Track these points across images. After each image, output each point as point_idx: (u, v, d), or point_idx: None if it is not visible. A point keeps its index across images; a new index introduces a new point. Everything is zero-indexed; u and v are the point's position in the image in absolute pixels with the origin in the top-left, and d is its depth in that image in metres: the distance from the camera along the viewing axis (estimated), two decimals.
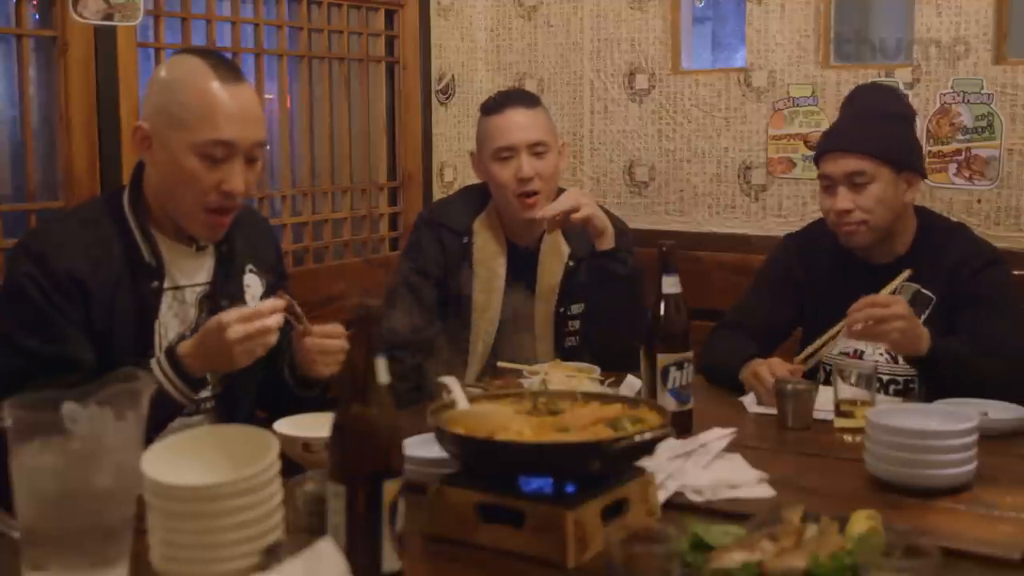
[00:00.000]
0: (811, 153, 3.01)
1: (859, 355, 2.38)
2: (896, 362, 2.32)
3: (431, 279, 2.63)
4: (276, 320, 1.83)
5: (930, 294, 2.33)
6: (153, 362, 1.86)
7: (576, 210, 2.47)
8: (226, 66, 1.97)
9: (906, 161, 2.35)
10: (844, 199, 2.33)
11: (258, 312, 1.82)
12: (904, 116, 2.44)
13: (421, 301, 2.59)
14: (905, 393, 2.31)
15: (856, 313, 2.07)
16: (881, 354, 2.34)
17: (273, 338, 1.83)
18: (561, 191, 2.72)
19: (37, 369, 1.83)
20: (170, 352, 1.86)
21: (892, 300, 2.11)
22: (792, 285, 2.52)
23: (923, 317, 2.23)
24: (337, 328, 1.98)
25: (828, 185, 2.37)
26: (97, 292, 1.90)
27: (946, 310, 2.31)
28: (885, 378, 2.32)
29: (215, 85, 1.91)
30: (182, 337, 2.00)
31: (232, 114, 1.91)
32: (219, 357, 1.82)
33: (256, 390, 2.13)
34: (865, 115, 2.40)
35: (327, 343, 1.96)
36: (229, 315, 1.81)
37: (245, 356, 1.81)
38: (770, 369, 2.18)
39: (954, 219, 2.64)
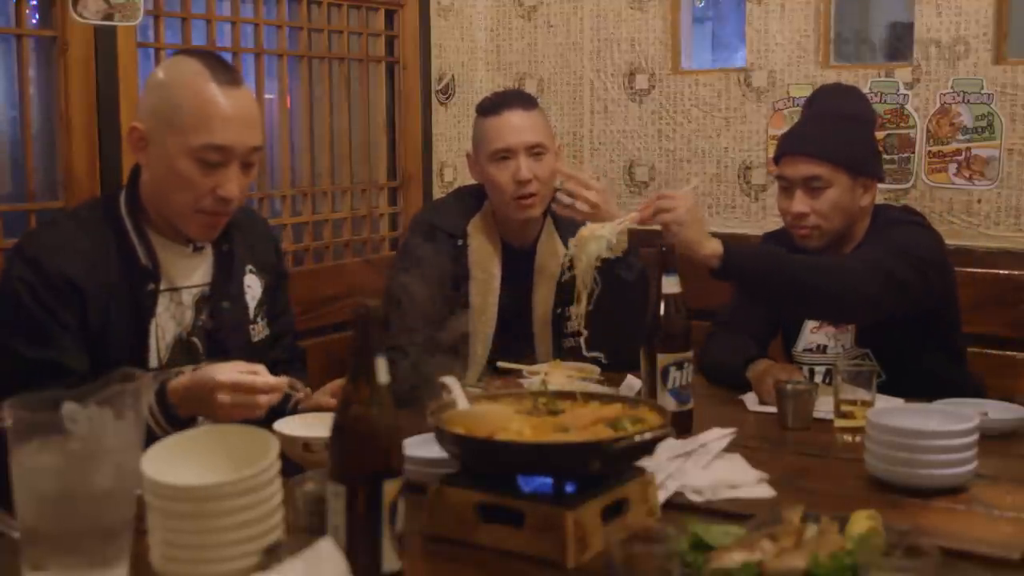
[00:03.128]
0: None
1: (823, 350, 2.42)
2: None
3: (426, 281, 2.62)
4: (268, 399, 1.77)
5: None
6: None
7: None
8: (224, 69, 1.94)
9: (863, 167, 2.36)
10: (800, 203, 2.34)
11: (252, 386, 1.76)
12: (864, 119, 2.44)
13: (417, 303, 2.58)
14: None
15: (646, 202, 2.18)
16: (844, 347, 2.38)
17: (260, 413, 1.77)
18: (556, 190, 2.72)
19: (29, 375, 1.81)
20: (161, 389, 1.81)
21: (682, 197, 2.14)
22: None
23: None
24: (335, 388, 1.93)
25: (785, 187, 2.39)
26: (93, 294, 1.89)
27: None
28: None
29: (212, 88, 1.88)
30: (179, 339, 2.00)
31: (229, 118, 1.88)
32: (202, 409, 1.80)
33: None
34: (824, 118, 2.40)
35: (324, 402, 1.92)
36: (224, 374, 1.75)
37: (227, 419, 1.73)
38: (788, 375, 2.18)
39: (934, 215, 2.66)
